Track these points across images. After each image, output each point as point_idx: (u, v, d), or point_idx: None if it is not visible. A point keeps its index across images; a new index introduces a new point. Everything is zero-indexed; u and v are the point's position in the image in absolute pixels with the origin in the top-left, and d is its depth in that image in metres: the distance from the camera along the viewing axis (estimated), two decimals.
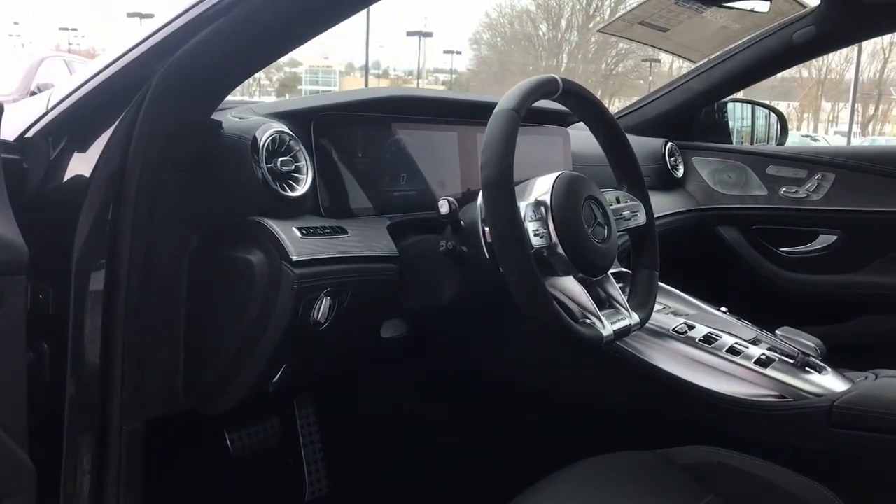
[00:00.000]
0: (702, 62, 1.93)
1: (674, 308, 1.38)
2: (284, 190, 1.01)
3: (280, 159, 1.01)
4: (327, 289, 1.01)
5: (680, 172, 2.02)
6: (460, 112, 1.32)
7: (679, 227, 1.90)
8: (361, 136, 1.16)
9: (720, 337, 1.22)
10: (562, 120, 1.56)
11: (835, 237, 1.93)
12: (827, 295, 1.92)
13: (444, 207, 1.02)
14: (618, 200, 1.17)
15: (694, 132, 2.08)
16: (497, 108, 0.96)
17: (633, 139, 1.20)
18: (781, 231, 2.00)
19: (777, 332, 1.24)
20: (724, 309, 1.37)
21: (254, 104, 1.14)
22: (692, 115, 2.07)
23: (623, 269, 1.29)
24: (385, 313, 1.20)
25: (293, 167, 1.03)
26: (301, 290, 0.97)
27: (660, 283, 1.19)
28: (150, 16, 33.40)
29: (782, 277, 1.98)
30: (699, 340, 1.21)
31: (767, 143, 2.34)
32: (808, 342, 1.18)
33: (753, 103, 2.29)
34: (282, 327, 0.98)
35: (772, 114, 2.26)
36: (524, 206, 0.97)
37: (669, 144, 1.99)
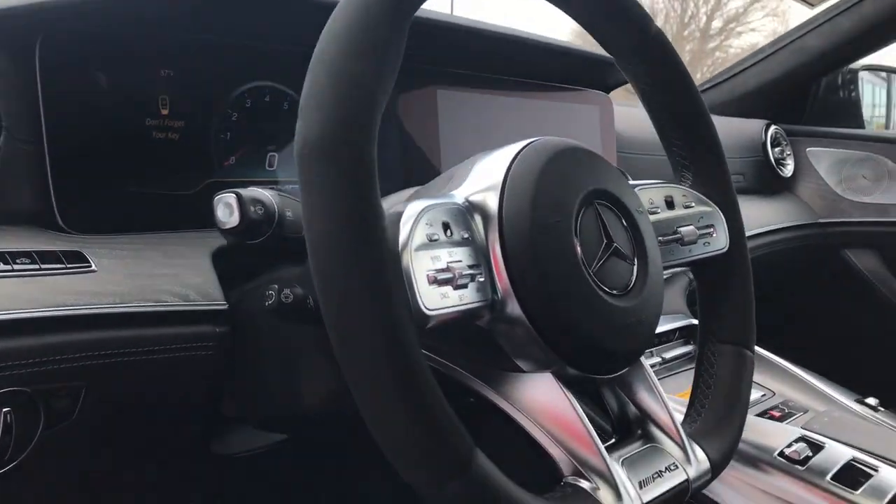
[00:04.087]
0: (825, 6, 1.47)
1: (780, 399, 0.96)
2: None
3: None
4: None
5: (789, 169, 1.61)
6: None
7: (786, 250, 1.48)
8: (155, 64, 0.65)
9: (875, 471, 0.76)
10: (599, 78, 1.06)
11: None
12: None
13: (223, 209, 0.50)
14: (669, 204, 0.62)
15: (809, 112, 1.68)
16: None
17: (718, 121, 0.75)
18: None
19: None
20: (872, 401, 0.96)
21: None
22: (806, 88, 1.66)
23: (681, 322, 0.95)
24: (203, 418, 0.66)
25: None
26: None
27: (756, 350, 0.70)
28: None
29: None
30: (830, 479, 0.75)
31: None
32: None
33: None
34: None
35: None
36: (429, 213, 0.45)
37: (773, 129, 1.58)
